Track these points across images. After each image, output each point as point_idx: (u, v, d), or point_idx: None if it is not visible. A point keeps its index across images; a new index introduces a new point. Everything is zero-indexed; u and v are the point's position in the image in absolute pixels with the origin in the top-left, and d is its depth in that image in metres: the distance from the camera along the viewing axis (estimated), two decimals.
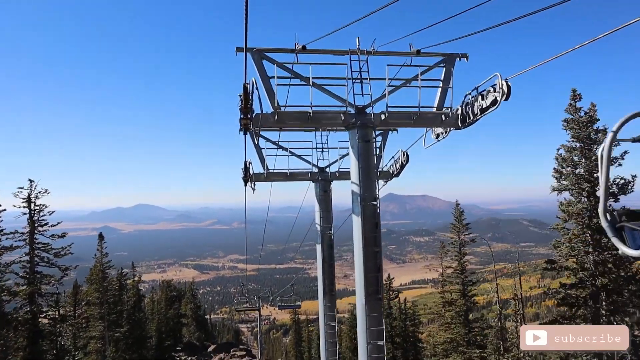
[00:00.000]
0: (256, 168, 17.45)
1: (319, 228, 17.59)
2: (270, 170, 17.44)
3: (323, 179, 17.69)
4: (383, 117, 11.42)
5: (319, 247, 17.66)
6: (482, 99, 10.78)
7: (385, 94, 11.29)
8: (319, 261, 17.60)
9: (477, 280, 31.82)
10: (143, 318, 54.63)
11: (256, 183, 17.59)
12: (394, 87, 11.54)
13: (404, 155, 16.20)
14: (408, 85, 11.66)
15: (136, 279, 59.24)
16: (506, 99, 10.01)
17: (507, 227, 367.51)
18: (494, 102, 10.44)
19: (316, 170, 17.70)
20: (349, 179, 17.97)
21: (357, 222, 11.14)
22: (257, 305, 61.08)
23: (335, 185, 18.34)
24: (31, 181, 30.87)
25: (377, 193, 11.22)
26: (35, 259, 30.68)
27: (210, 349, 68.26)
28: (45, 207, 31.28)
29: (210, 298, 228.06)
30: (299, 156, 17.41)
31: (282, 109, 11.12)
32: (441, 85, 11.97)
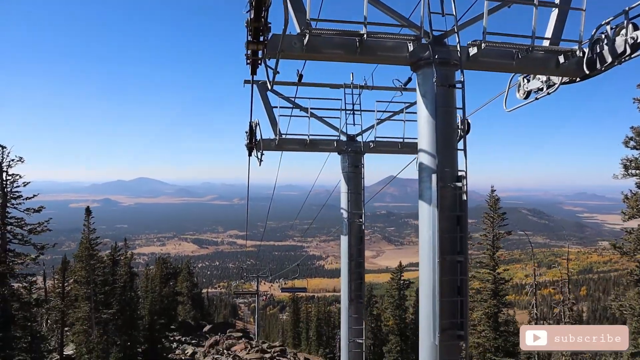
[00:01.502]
0: (265, 133, 13.13)
1: (344, 214, 12.91)
2: (284, 136, 13.13)
3: (353, 151, 13.12)
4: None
5: (344, 240, 12.96)
6: (636, 29, 6.74)
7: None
8: (343, 259, 13.04)
9: (510, 278, 27.86)
10: (135, 297, 51.46)
11: (264, 152, 13.16)
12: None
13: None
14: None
15: (128, 255, 55.87)
16: None
17: (505, 215, 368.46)
18: None
19: (344, 139, 13.34)
20: (386, 151, 13.91)
21: (426, 210, 6.97)
22: (256, 288, 58.07)
23: None
24: (2, 147, 26.66)
25: (464, 169, 6.98)
26: (7, 235, 26.89)
27: (205, 329, 65.86)
28: (20, 177, 27.27)
29: (208, 272, 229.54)
30: (320, 118, 13.11)
31: (314, 24, 6.91)
32: (557, 6, 7.77)
